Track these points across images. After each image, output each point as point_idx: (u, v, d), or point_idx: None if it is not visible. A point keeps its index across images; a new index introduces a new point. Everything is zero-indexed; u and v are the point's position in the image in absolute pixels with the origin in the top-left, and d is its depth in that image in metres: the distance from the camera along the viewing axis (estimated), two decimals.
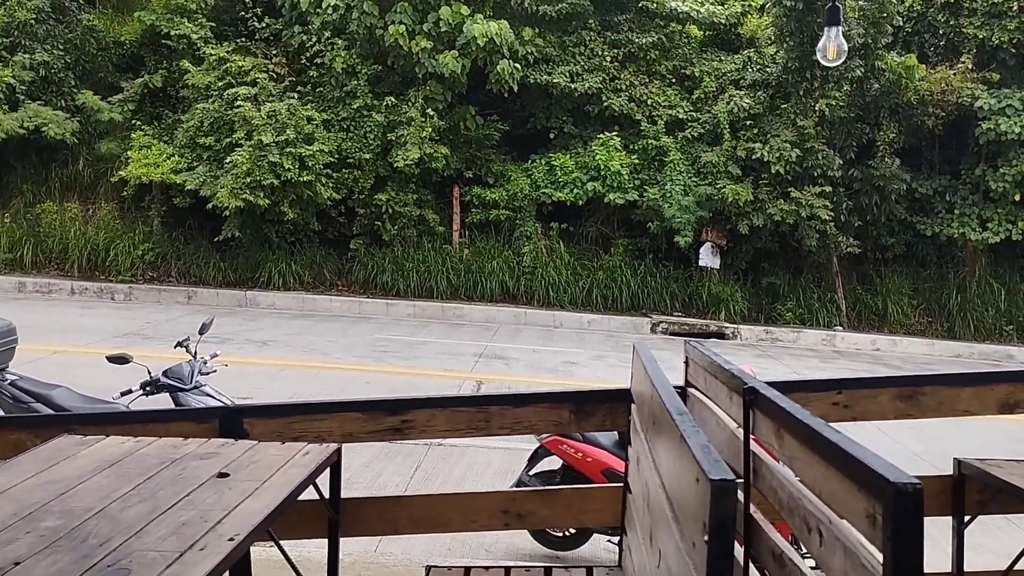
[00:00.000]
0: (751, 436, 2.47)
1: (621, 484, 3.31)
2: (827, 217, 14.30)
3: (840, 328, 14.94)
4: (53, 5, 16.18)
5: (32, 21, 15.57)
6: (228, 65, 14.98)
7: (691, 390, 3.19)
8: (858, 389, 3.46)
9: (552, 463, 5.51)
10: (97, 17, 16.95)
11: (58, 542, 1.87)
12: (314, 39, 15.37)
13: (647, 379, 2.67)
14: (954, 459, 3.48)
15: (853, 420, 3.39)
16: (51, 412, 5.21)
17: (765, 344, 14.33)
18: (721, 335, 14.36)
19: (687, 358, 3.26)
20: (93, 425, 2.77)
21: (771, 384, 2.64)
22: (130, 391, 5.49)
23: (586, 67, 15.50)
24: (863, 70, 14.46)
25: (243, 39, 15.88)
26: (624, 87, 15.52)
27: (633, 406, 3.13)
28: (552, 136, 15.94)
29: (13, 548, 1.83)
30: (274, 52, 15.83)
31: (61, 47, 15.91)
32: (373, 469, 6.69)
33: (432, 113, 14.73)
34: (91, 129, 15.69)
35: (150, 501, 2.09)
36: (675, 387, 2.71)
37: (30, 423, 3.07)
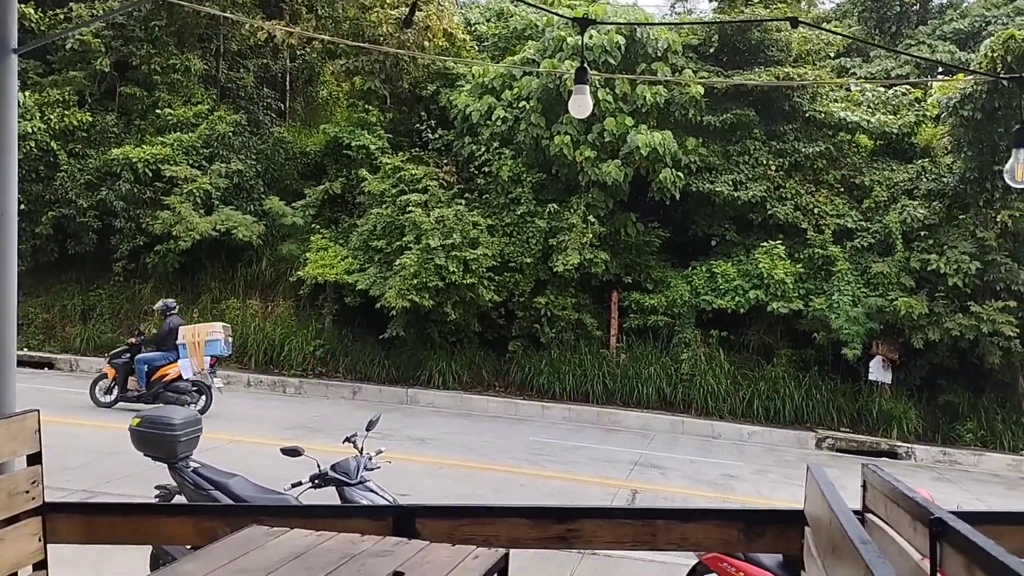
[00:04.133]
0: (938, 570, 2.34)
1: None
2: (1012, 333, 13.43)
3: None
4: (249, 120, 17.76)
5: (230, 134, 17.10)
6: (402, 173, 15.86)
7: (870, 516, 3.04)
8: None
9: None
10: (287, 130, 18.44)
11: None
12: (483, 149, 16.08)
13: (824, 503, 2.57)
14: None
15: None
16: (230, 500, 5.48)
17: (942, 467, 13.39)
18: (893, 455, 13.56)
19: (865, 482, 3.12)
20: (278, 517, 2.92)
21: (955, 514, 2.50)
22: (300, 483, 5.71)
23: (750, 176, 15.45)
24: None
25: (417, 149, 16.84)
26: (789, 196, 15.34)
27: (807, 529, 3.01)
28: (714, 243, 15.86)
29: None
30: (445, 161, 16.66)
31: (254, 157, 17.35)
32: (525, 575, 6.62)
33: (593, 220, 14.99)
34: (275, 232, 16.86)
35: None
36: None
37: (222, 512, 3.26)
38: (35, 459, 3.12)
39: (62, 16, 16.82)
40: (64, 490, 7.89)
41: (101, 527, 3.18)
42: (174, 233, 15.71)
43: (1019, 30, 13.63)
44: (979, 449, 13.88)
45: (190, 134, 17.01)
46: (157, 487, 5.95)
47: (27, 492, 3.03)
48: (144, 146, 16.71)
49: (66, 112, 16.81)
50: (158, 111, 17.37)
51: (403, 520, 2.93)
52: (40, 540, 3.06)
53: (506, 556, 2.69)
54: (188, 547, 3.89)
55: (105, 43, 17.13)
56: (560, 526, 3.05)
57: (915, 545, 2.52)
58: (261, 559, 2.37)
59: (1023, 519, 3.20)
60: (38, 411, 3.15)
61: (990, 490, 11.88)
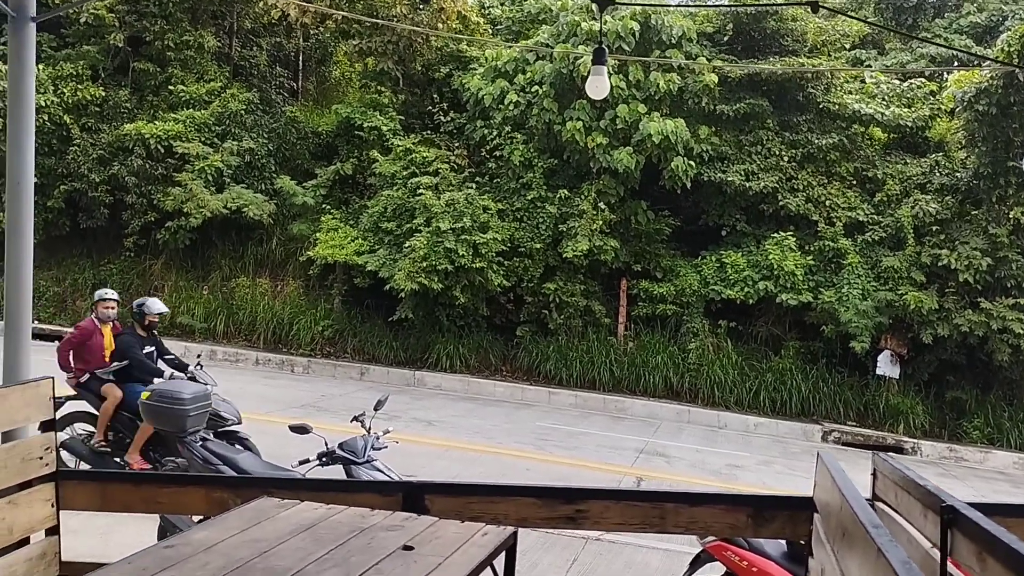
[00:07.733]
0: (948, 558, 2.34)
1: None
2: (1021, 331, 13.36)
3: None
4: (262, 98, 17.75)
5: (243, 112, 17.08)
6: (413, 156, 15.83)
7: (879, 504, 3.04)
8: None
9: (715, 568, 5.31)
10: (299, 109, 18.43)
11: None
12: (495, 133, 16.03)
13: (835, 489, 2.57)
14: None
15: None
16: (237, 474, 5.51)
17: (948, 463, 13.38)
18: (899, 449, 13.53)
19: (875, 470, 3.12)
20: (288, 490, 2.94)
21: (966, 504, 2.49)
22: (308, 460, 5.73)
23: (762, 166, 15.37)
24: None
25: (428, 132, 16.80)
26: (801, 187, 15.26)
27: (816, 516, 3.01)
28: (724, 233, 15.81)
29: None
30: (456, 144, 16.62)
31: (265, 136, 17.34)
32: (529, 559, 6.65)
33: (604, 206, 14.95)
34: (285, 211, 16.87)
35: (343, 567, 2.19)
36: None
37: (234, 483, 3.28)
38: (48, 426, 3.13)
39: None
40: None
41: (113, 495, 3.20)
42: (185, 210, 15.73)
43: None
44: (986, 446, 13.85)
45: (202, 111, 17.01)
46: (166, 460, 5.99)
47: (41, 458, 3.05)
48: (156, 122, 16.72)
49: (79, 86, 16.82)
50: (171, 87, 17.37)
51: (413, 496, 2.95)
52: (53, 506, 3.08)
53: (515, 534, 2.70)
54: (197, 520, 3.92)
55: (119, 18, 17.12)
56: (569, 506, 3.06)
57: (925, 533, 2.52)
58: (272, 529, 2.39)
59: None
60: (52, 378, 3.16)
61: (996, 487, 11.87)
